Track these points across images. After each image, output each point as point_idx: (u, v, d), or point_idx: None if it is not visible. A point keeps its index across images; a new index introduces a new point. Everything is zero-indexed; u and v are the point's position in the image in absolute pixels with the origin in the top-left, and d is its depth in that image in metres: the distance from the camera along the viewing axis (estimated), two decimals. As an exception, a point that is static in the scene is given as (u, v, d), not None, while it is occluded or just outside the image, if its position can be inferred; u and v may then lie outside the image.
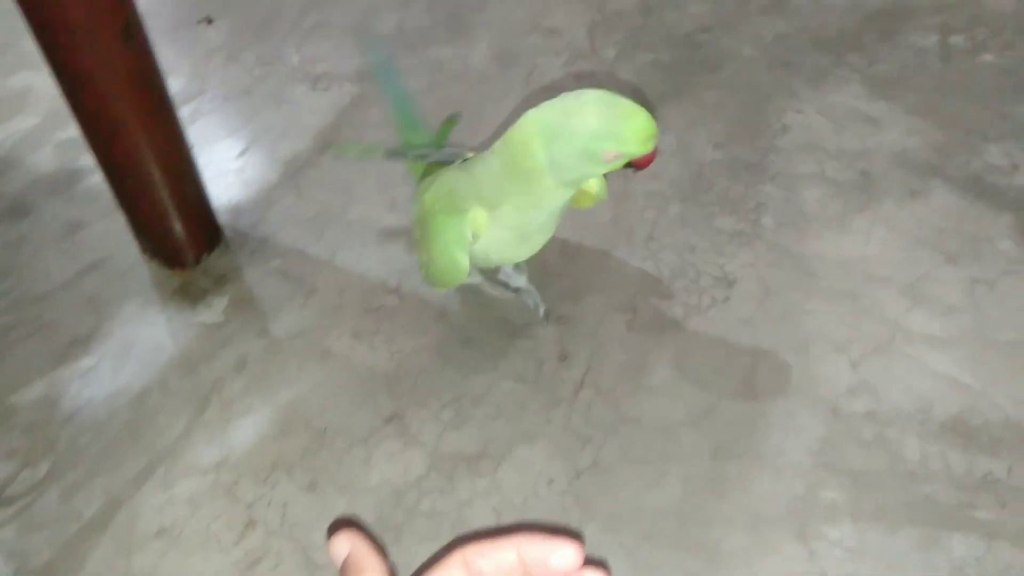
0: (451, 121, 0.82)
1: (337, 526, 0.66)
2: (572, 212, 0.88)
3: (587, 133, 0.58)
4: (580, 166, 0.60)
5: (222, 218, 0.90)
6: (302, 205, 0.91)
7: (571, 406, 0.71)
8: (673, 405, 0.71)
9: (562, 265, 0.82)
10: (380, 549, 0.38)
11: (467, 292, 0.81)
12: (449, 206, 0.66)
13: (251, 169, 0.96)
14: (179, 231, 0.85)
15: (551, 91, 0.99)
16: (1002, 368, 0.70)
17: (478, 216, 0.65)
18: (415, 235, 0.73)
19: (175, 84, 1.08)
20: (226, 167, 0.97)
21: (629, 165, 0.61)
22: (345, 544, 0.38)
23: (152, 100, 0.76)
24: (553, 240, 0.81)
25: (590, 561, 0.36)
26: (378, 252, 0.86)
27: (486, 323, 0.78)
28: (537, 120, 0.59)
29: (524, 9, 1.12)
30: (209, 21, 1.18)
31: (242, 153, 0.98)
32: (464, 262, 0.65)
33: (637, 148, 0.58)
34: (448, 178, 0.68)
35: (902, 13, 1.04)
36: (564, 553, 0.36)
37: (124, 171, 0.80)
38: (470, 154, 0.70)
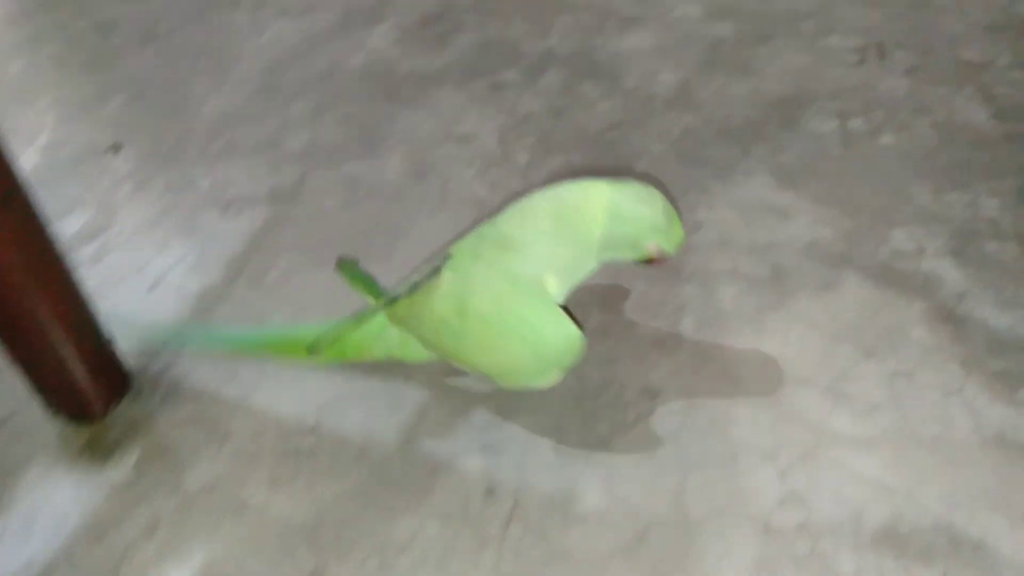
0: (344, 266, 0.84)
1: None
2: None
3: (648, 223, 0.63)
4: (624, 249, 0.65)
5: (132, 362, 0.87)
6: (215, 342, 0.89)
7: (500, 545, 0.69)
8: (604, 534, 0.69)
9: (485, 388, 0.81)
10: None
11: (388, 426, 0.78)
12: (513, 287, 0.63)
13: (161, 306, 0.93)
14: (84, 385, 0.81)
15: (467, 203, 0.99)
16: (927, 466, 0.70)
17: (551, 283, 0.63)
18: (435, 343, 0.72)
19: (81, 219, 1.06)
20: (135, 306, 0.94)
21: (646, 260, 0.66)
22: None
23: (40, 261, 0.73)
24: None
25: None
26: (294, 388, 0.83)
27: (409, 459, 0.76)
28: (608, 195, 0.63)
29: (436, 118, 1.13)
30: (116, 149, 1.16)
31: (152, 289, 0.95)
32: (579, 331, 0.64)
33: (673, 250, 0.66)
34: (488, 262, 0.65)
35: (802, 99, 1.07)
36: None
37: (17, 334, 0.76)
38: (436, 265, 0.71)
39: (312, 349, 0.74)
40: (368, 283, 0.83)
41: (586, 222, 0.62)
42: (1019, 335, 0.77)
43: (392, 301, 0.75)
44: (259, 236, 1.00)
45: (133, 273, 0.98)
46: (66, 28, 1.45)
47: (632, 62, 1.17)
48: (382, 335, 0.78)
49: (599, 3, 1.29)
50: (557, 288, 0.64)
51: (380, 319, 0.77)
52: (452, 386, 0.81)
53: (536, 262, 0.64)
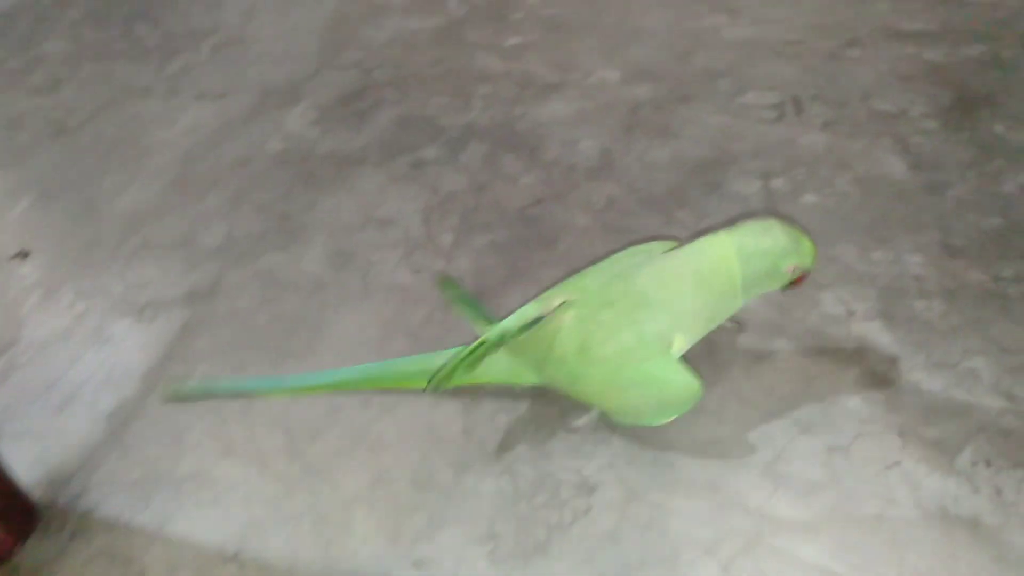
0: (447, 285, 0.85)
1: None
2: (419, 438, 0.83)
3: (778, 250, 0.69)
4: (766, 281, 0.71)
5: (38, 494, 0.81)
6: (127, 465, 0.83)
7: (435, 676, 0.65)
8: (544, 654, 0.65)
9: (415, 496, 0.77)
10: None
11: (315, 548, 0.74)
12: (639, 341, 0.70)
13: (71, 428, 0.88)
14: (-16, 527, 0.75)
15: (391, 291, 0.96)
16: (870, 548, 0.68)
17: (677, 341, 0.71)
18: (550, 376, 0.75)
19: (-15, 336, 1.00)
20: (43, 430, 0.88)
21: (790, 284, 0.72)
22: None
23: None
24: (405, 466, 0.77)
25: None
26: (212, 512, 0.78)
27: (336, 583, 0.71)
28: (732, 241, 0.69)
29: (356, 201, 1.10)
30: (24, 255, 1.11)
31: (61, 410, 0.90)
32: (697, 381, 0.70)
33: (811, 262, 0.71)
34: (619, 312, 0.71)
35: (723, 161, 1.06)
36: None
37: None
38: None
39: (433, 383, 0.73)
40: (471, 304, 0.82)
41: (724, 273, 0.69)
42: (951, 398, 0.76)
43: (503, 336, 0.73)
44: (175, 343, 0.95)
45: (42, 392, 0.93)
46: (-27, 125, 1.40)
47: (553, 131, 1.15)
48: (492, 361, 0.76)
49: (518, 71, 1.29)
50: (682, 344, 0.71)
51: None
52: (377, 495, 0.77)
53: (669, 321, 0.71)
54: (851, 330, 0.84)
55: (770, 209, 0.98)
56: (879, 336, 0.83)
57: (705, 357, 0.84)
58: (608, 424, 0.79)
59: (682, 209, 1.01)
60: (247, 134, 1.27)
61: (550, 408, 0.82)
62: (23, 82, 1.52)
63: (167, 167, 1.23)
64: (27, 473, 0.81)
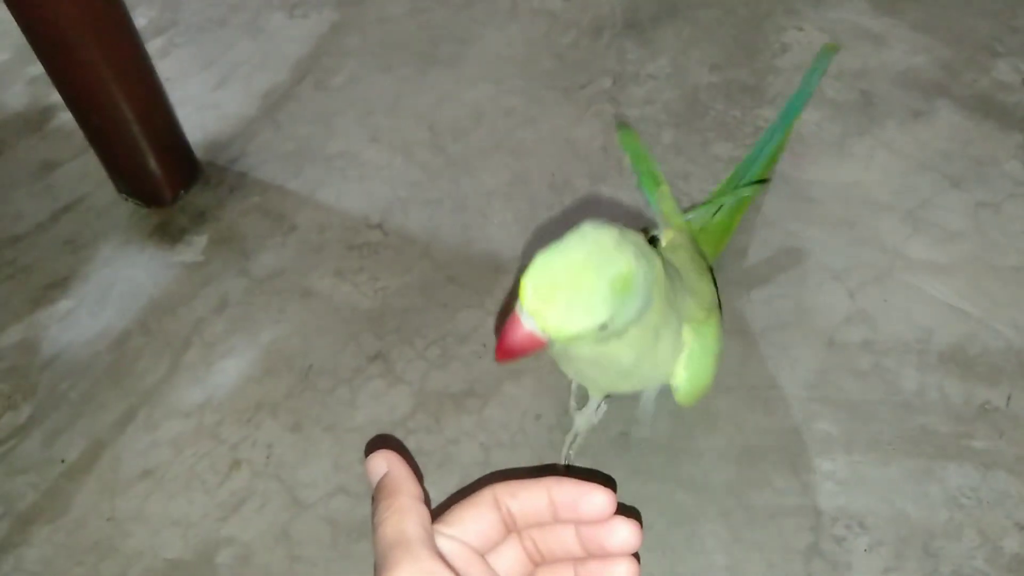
0: (626, 136, 0.70)
1: (375, 444, 0.65)
2: (559, 148, 0.84)
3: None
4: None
5: (200, 154, 0.87)
6: (281, 139, 0.88)
7: (559, 341, 0.70)
8: (664, 338, 0.69)
9: (551, 196, 0.79)
10: (416, 473, 0.36)
11: (453, 227, 0.78)
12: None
13: (228, 103, 0.93)
14: (155, 169, 0.82)
15: (538, 15, 0.95)
16: (1005, 294, 0.68)
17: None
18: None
19: (146, 15, 1.04)
20: (202, 101, 0.93)
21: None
22: (383, 464, 0.36)
23: (117, 44, 0.73)
24: (543, 170, 0.78)
25: (622, 510, 0.34)
26: (359, 187, 0.83)
27: (471, 260, 0.76)
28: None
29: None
30: (182, -54, 1.12)
31: (218, 86, 0.94)
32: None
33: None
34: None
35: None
36: (595, 500, 0.34)
37: (93, 112, 0.76)
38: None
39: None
40: (645, 160, 0.67)
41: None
42: (1121, 173, 0.73)
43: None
44: (326, 39, 0.97)
45: (200, 69, 0.97)
46: None
47: None
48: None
49: None
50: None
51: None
52: (514, 191, 0.80)
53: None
54: (1022, 99, 0.80)
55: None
56: (1052, 107, 0.79)
57: (859, 108, 0.81)
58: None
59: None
60: None
61: (695, 136, 0.82)
62: None
63: None
64: (189, 134, 0.86)
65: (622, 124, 0.82)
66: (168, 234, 0.81)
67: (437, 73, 0.92)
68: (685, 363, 0.51)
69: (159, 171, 0.82)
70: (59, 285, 0.79)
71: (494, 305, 0.72)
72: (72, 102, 0.77)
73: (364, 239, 0.79)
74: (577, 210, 0.78)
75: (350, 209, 0.81)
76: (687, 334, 0.51)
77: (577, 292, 0.41)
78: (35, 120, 0.94)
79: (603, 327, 0.42)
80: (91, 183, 0.86)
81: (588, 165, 0.81)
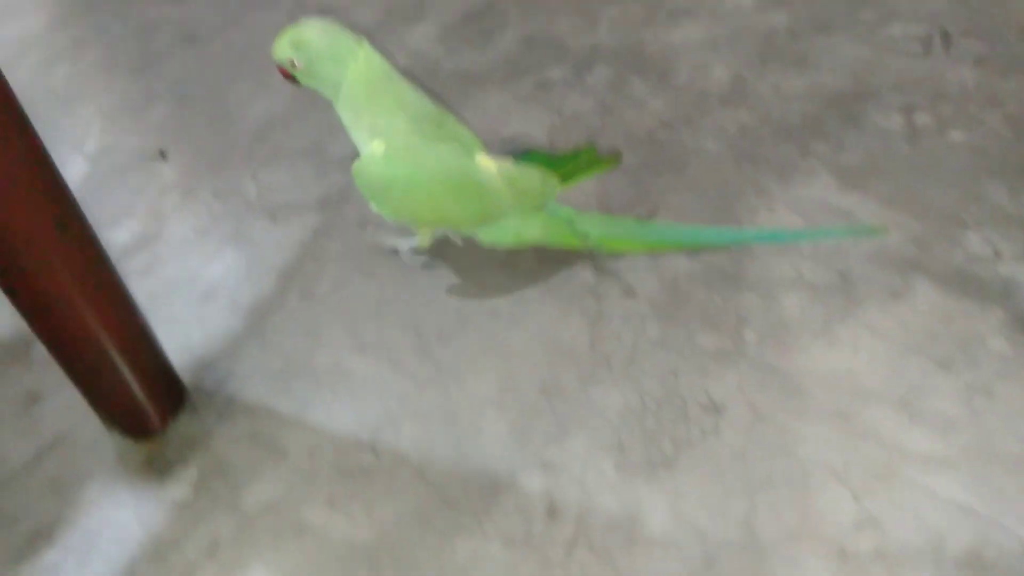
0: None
1: None
2: (547, 339, 0.84)
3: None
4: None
5: (186, 378, 0.86)
6: (268, 356, 0.88)
7: (565, 570, 0.67)
8: (671, 560, 0.67)
9: (543, 403, 0.79)
10: None
11: (445, 444, 0.77)
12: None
13: (213, 318, 0.93)
14: (142, 401, 0.81)
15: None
16: (1011, 487, 0.67)
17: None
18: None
19: (130, 229, 1.05)
20: (188, 319, 0.93)
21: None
22: None
23: (96, 281, 0.73)
24: (533, 374, 0.79)
25: None
26: (350, 404, 0.82)
27: (467, 479, 0.74)
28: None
29: (480, 121, 1.10)
30: (163, 155, 1.15)
31: (204, 301, 0.95)
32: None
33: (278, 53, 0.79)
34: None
35: (863, 94, 1.02)
36: None
37: (74, 352, 0.76)
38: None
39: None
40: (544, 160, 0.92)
41: None
42: (1106, 346, 0.74)
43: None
44: (309, 246, 0.99)
45: (185, 284, 0.98)
46: (108, 31, 1.45)
47: (683, 56, 1.13)
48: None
49: (646, -6, 1.26)
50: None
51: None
52: (505, 398, 0.79)
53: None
54: (997, 271, 0.81)
55: (913, 144, 0.95)
56: (1027, 279, 0.80)
57: (838, 290, 0.82)
58: (725, 355, 0.79)
59: (818, 141, 0.98)
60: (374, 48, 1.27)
61: (679, 329, 0.82)
62: (154, -9, 1.56)
63: (295, 78, 1.25)
64: (174, 357, 0.86)
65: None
66: (156, 469, 0.80)
67: (419, 276, 0.93)
68: (368, 158, 0.80)
69: (147, 404, 0.81)
70: (44, 534, 0.76)
71: (494, 530, 0.70)
72: (56, 351, 0.76)
73: (356, 462, 0.77)
74: (570, 417, 0.77)
75: (340, 429, 0.80)
76: (377, 144, 0.79)
77: (284, 35, 0.78)
78: (20, 349, 0.94)
79: (292, 64, 0.78)
80: (78, 415, 0.85)
81: (578, 365, 0.81)
